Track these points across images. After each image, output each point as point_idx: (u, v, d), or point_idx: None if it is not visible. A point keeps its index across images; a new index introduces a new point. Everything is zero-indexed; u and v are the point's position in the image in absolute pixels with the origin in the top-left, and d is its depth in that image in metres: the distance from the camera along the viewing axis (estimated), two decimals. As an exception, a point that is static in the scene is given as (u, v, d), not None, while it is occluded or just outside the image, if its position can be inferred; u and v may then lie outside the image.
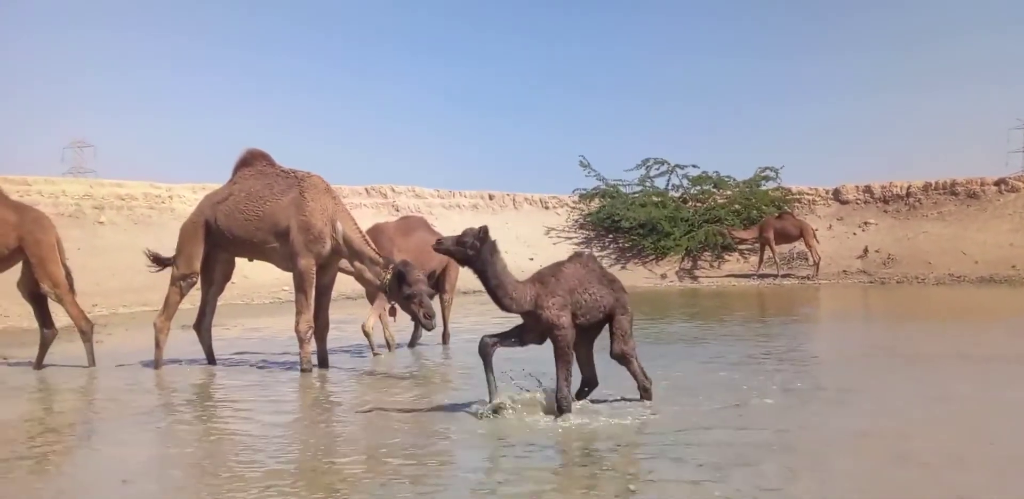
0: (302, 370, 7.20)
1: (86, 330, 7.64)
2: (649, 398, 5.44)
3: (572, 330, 5.04)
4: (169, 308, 7.62)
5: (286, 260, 7.40)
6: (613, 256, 23.76)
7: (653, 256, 23.24)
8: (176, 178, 23.77)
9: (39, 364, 7.56)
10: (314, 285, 7.32)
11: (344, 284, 9.48)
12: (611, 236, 24.44)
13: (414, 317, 7.11)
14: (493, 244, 5.02)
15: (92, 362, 7.58)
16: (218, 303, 8.07)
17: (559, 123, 67.73)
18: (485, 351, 5.09)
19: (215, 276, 7.87)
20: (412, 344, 8.94)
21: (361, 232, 7.44)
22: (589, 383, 5.50)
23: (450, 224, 24.36)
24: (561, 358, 4.99)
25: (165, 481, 4.01)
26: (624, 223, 23.31)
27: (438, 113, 71.61)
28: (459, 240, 4.97)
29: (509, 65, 69.36)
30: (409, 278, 6.90)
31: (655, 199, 24.20)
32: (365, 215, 20.19)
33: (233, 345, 8.84)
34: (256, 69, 71.19)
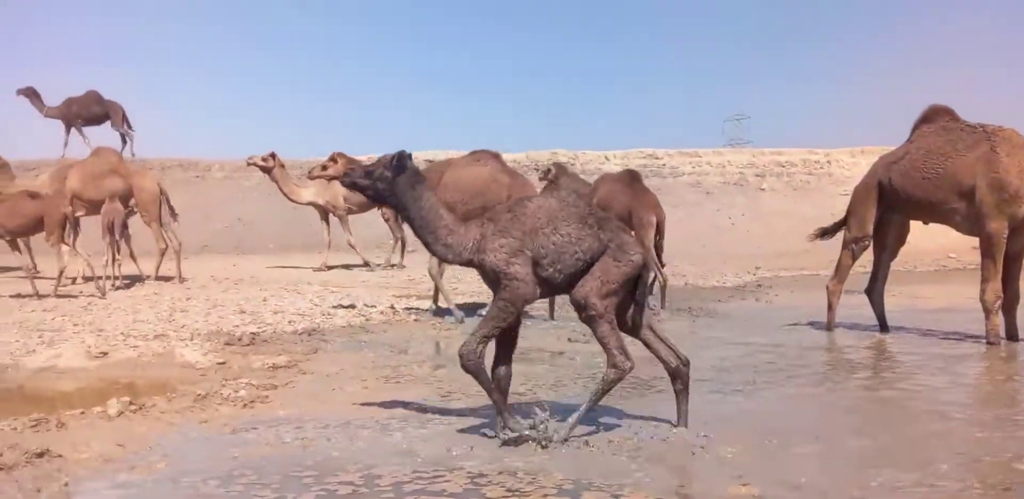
0: (988, 343, 6.51)
1: None
2: (608, 382, 3.81)
3: (532, 286, 3.81)
4: (841, 271, 7.57)
5: (969, 222, 6.72)
6: None
7: None
8: (833, 143, 23.62)
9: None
10: (1003, 251, 6.52)
11: None
12: None
13: None
14: (413, 174, 3.92)
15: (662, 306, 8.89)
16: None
17: None
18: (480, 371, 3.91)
19: (888, 240, 7.54)
20: None
21: None
22: (677, 368, 4.01)
23: None
24: (495, 311, 3.81)
25: (837, 441, 3.95)
26: None
27: None
28: (367, 170, 3.93)
29: None
30: None
31: None
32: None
33: (897, 312, 8.41)
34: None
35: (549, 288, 3.96)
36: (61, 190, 11.47)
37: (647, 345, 4.07)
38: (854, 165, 21.66)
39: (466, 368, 3.84)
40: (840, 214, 8.06)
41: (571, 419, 3.84)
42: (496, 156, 8.91)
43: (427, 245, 4.00)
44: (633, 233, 9.18)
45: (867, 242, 7.47)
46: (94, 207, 11.45)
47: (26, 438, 3.79)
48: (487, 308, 4.00)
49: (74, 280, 11.26)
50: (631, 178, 9.78)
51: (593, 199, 9.61)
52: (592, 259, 3.85)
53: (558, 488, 3.23)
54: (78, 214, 11.70)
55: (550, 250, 3.81)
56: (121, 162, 12.22)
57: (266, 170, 12.67)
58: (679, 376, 4.03)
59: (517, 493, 3.17)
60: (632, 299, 3.94)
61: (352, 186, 4.05)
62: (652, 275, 9.33)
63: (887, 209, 7.32)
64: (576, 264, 3.84)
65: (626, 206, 9.30)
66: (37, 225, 9.72)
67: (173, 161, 22.30)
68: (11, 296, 9.44)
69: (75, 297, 9.61)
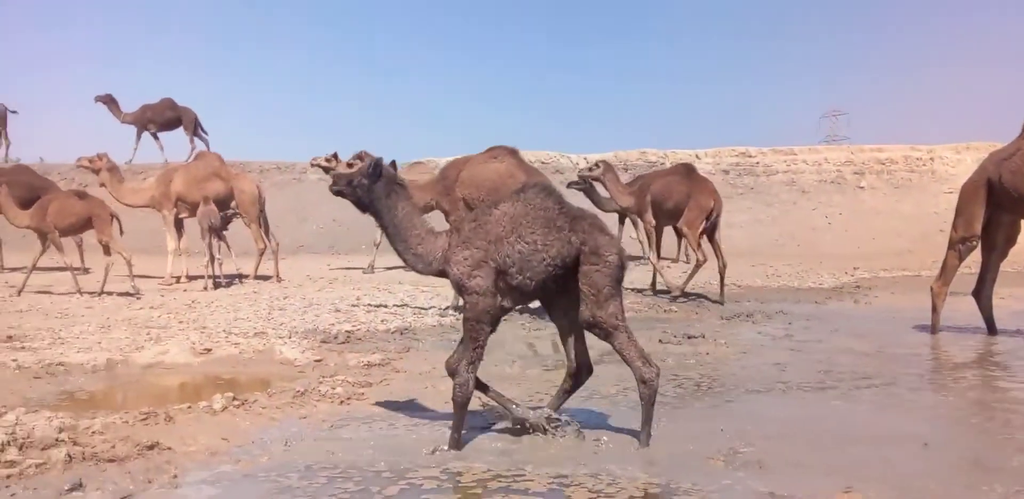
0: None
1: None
2: (647, 396, 3.74)
3: (492, 298, 3.77)
4: (947, 272, 7.28)
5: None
6: None
7: None
8: (937, 139, 22.58)
9: None
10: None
11: None
12: None
13: None
14: (390, 180, 3.97)
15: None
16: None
17: None
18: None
19: (997, 240, 7.21)
20: None
21: None
22: (579, 371, 4.11)
23: None
24: (468, 333, 3.81)
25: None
26: None
27: None
28: (349, 178, 4.01)
29: None
30: None
31: None
32: None
33: (1005, 315, 8.01)
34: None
35: (522, 295, 3.90)
36: (167, 192, 12.01)
37: (562, 341, 4.14)
38: (959, 162, 20.71)
39: (455, 398, 3.80)
40: (943, 213, 7.75)
41: (642, 439, 3.80)
42: (513, 152, 8.93)
43: (399, 254, 4.01)
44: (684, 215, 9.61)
45: (975, 242, 7.16)
46: (196, 209, 11.94)
47: (137, 431, 3.99)
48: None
49: (178, 279, 11.78)
50: (687, 170, 10.25)
51: (647, 196, 9.91)
52: (564, 263, 3.78)
53: (644, 491, 3.21)
54: (181, 216, 12.26)
55: (516, 259, 3.75)
56: (223, 166, 12.69)
57: (329, 170, 12.91)
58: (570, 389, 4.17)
59: (601, 495, 3.17)
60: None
61: (339, 194, 4.09)
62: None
63: (996, 208, 7.02)
64: (547, 270, 3.78)
65: (685, 195, 9.78)
66: (86, 224, 10.24)
67: (271, 164, 23.03)
68: (119, 294, 9.93)
69: (159, 295, 10.04)
